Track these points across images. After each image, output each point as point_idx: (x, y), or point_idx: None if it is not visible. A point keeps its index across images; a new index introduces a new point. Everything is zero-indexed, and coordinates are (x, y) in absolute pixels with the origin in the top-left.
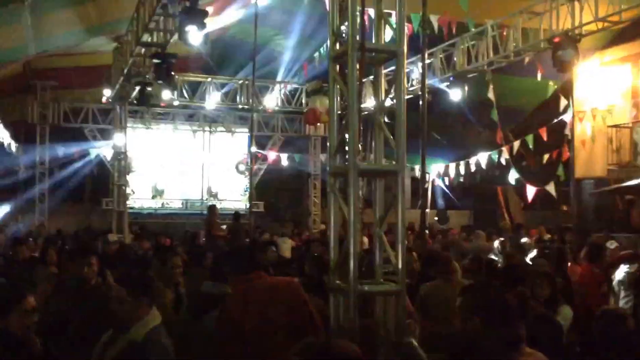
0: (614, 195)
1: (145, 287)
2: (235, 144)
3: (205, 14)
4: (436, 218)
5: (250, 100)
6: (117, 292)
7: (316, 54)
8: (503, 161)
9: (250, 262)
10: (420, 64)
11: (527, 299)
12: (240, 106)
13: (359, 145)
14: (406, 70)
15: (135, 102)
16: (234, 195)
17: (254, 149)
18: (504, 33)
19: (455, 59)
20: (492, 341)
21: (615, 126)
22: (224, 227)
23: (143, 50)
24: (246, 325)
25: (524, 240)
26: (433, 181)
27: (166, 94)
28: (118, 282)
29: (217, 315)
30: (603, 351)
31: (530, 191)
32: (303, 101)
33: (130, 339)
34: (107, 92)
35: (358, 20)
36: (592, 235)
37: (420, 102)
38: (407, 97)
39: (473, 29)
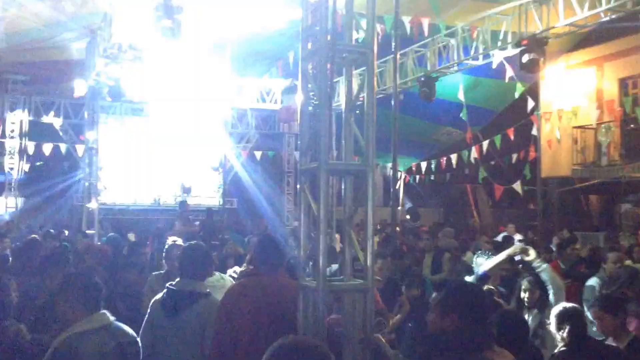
0: (578, 194)
1: (82, 291)
2: (209, 141)
3: (179, 9)
4: (408, 216)
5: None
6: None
7: (290, 52)
8: (472, 160)
9: (205, 261)
10: (391, 64)
11: (493, 296)
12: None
13: (330, 144)
14: (379, 70)
15: (108, 97)
16: (207, 191)
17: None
18: (474, 35)
19: (426, 59)
20: (467, 338)
21: (580, 127)
22: (197, 223)
23: (117, 44)
24: (245, 322)
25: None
26: (404, 179)
27: (139, 88)
28: (62, 284)
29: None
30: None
31: (498, 190)
32: (278, 98)
33: (52, 343)
34: (79, 87)
35: (329, 19)
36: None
37: (392, 102)
38: (379, 96)
39: (444, 31)
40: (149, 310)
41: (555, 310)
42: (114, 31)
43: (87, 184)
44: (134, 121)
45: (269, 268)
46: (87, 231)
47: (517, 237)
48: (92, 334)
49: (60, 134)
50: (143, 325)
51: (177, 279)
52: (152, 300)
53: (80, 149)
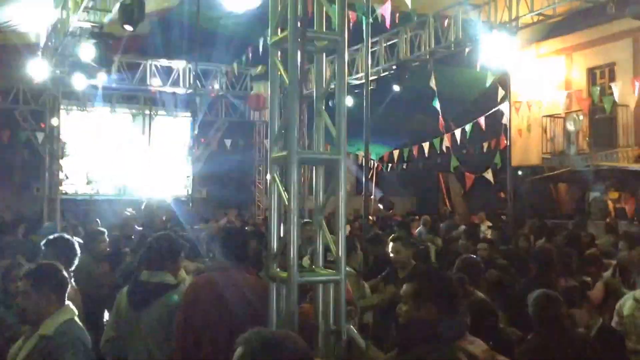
0: (548, 183)
1: (53, 281)
2: (177, 129)
3: None
4: (380, 205)
5: (193, 84)
6: (24, 286)
7: (261, 39)
8: (444, 149)
9: (173, 252)
10: (364, 52)
11: (465, 285)
12: (182, 90)
13: (301, 133)
14: (351, 57)
15: (69, 83)
16: (175, 181)
17: (196, 133)
18: (445, 24)
19: (398, 48)
20: (442, 328)
21: (550, 116)
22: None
23: (78, 29)
24: (208, 317)
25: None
26: (377, 167)
27: (103, 76)
28: (26, 276)
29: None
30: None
31: (469, 178)
32: (248, 86)
33: (40, 334)
34: (39, 72)
35: (299, 5)
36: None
37: (364, 90)
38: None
39: (415, 19)
40: (115, 303)
41: (530, 296)
42: (76, 13)
43: (47, 173)
44: (97, 109)
45: (234, 262)
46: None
47: (487, 224)
48: (74, 323)
49: (19, 120)
50: (109, 317)
51: (144, 271)
52: (119, 293)
53: (40, 136)
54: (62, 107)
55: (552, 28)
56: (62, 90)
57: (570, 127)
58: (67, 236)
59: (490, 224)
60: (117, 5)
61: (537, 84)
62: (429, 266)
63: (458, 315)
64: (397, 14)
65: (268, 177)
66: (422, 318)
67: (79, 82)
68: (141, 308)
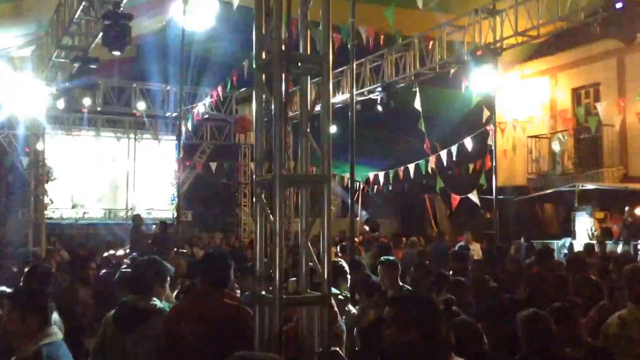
0: (533, 203)
1: (36, 304)
2: (162, 152)
3: (129, 17)
4: (366, 227)
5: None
6: (8, 309)
7: (245, 62)
8: (430, 170)
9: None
10: (349, 74)
11: (451, 306)
12: (167, 113)
13: (286, 155)
14: (336, 80)
15: (54, 106)
16: (160, 204)
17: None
18: (430, 46)
19: (383, 70)
20: (425, 351)
21: (535, 137)
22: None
23: (63, 53)
24: (187, 344)
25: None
26: (363, 189)
27: (88, 100)
28: (10, 299)
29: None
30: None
31: (454, 199)
32: (233, 109)
33: (23, 356)
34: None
35: (283, 29)
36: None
37: (349, 112)
38: (336, 106)
39: (400, 41)
40: (101, 328)
41: (518, 316)
42: (60, 40)
43: (33, 197)
44: (82, 132)
45: (214, 287)
46: (34, 248)
47: (475, 245)
48: (58, 346)
49: (4, 144)
50: (95, 343)
51: (129, 295)
52: (105, 317)
53: (25, 161)
54: (47, 131)
55: (536, 49)
56: (47, 115)
57: (556, 147)
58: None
59: (478, 246)
60: (102, 29)
61: (522, 105)
62: (411, 289)
63: (440, 337)
64: (382, 36)
65: (255, 198)
66: (405, 341)
67: (64, 106)
68: (128, 332)
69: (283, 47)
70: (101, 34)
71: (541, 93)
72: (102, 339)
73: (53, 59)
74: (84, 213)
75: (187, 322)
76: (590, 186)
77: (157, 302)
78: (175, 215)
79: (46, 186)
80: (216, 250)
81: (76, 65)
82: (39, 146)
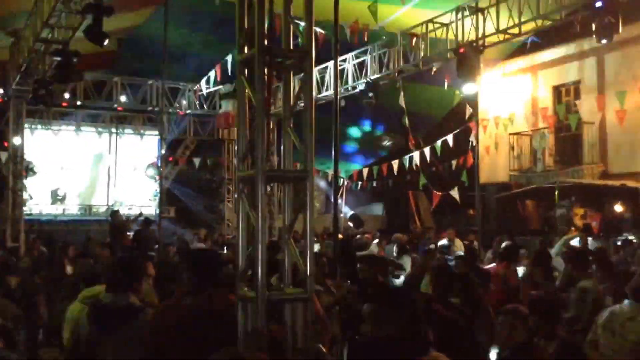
0: (515, 200)
1: None
2: (144, 147)
3: (110, 10)
4: (350, 223)
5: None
6: None
7: (229, 56)
8: (414, 166)
9: (138, 273)
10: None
11: (431, 302)
12: (149, 107)
13: (270, 150)
14: (320, 76)
15: (34, 101)
16: (142, 200)
17: (164, 152)
18: (412, 42)
19: (367, 66)
20: (403, 347)
21: (516, 134)
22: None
23: (43, 46)
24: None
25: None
26: (347, 185)
27: (68, 93)
28: None
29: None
30: None
31: (436, 196)
32: (217, 104)
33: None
34: (1, 90)
35: (266, 24)
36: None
37: (333, 108)
38: (320, 102)
39: (384, 37)
40: (67, 323)
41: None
42: (39, 33)
43: (11, 193)
44: (62, 127)
45: (204, 285)
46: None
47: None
48: None
49: None
50: (67, 343)
51: (105, 293)
52: (70, 314)
53: (4, 156)
54: (26, 126)
55: (517, 47)
56: (26, 109)
57: (537, 144)
58: None
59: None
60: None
61: (504, 102)
62: (389, 285)
63: (418, 333)
64: (366, 33)
65: (236, 194)
66: (383, 337)
67: (42, 100)
68: (108, 332)
69: (265, 42)
70: (82, 27)
71: (523, 90)
72: (76, 340)
73: (32, 52)
74: (64, 209)
75: (175, 321)
76: (570, 182)
77: (136, 300)
78: (157, 211)
79: (25, 182)
80: (202, 249)
81: (56, 58)
82: (17, 141)
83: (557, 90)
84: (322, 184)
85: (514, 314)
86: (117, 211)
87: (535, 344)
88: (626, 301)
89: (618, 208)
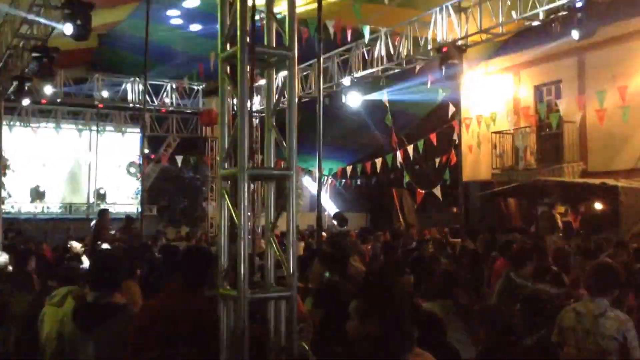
0: (498, 198)
1: None
2: (125, 145)
3: (90, 6)
4: (334, 221)
5: (142, 99)
6: None
7: (212, 53)
8: (399, 165)
9: (119, 271)
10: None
11: (412, 297)
12: (131, 104)
13: (253, 148)
14: (304, 73)
15: (12, 97)
16: (124, 198)
17: (146, 150)
18: (396, 41)
19: (351, 64)
20: (388, 343)
21: (499, 132)
22: (113, 232)
23: (21, 42)
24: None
25: None
26: (330, 183)
27: (48, 90)
28: None
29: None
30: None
31: (419, 194)
32: (199, 101)
33: None
34: None
35: (248, 20)
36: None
37: (317, 106)
38: (304, 100)
39: (368, 35)
40: (46, 325)
41: (476, 309)
42: (18, 28)
43: None
44: (41, 124)
45: (189, 284)
46: None
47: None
48: None
49: None
50: (51, 345)
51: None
52: (46, 312)
53: None
54: (4, 123)
55: (500, 46)
56: (4, 106)
57: (519, 142)
58: None
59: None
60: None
61: (486, 101)
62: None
63: (403, 329)
64: (350, 31)
65: (219, 192)
66: (368, 334)
67: (21, 97)
68: (91, 331)
69: (248, 39)
70: (61, 23)
71: (505, 89)
72: (59, 340)
73: (11, 48)
74: (43, 207)
75: (159, 319)
76: (550, 180)
77: (119, 298)
78: (139, 209)
79: (3, 179)
80: (193, 247)
81: (35, 54)
82: None
83: (538, 90)
84: (306, 182)
85: (483, 314)
86: (107, 210)
87: (510, 342)
88: (585, 298)
89: (598, 206)
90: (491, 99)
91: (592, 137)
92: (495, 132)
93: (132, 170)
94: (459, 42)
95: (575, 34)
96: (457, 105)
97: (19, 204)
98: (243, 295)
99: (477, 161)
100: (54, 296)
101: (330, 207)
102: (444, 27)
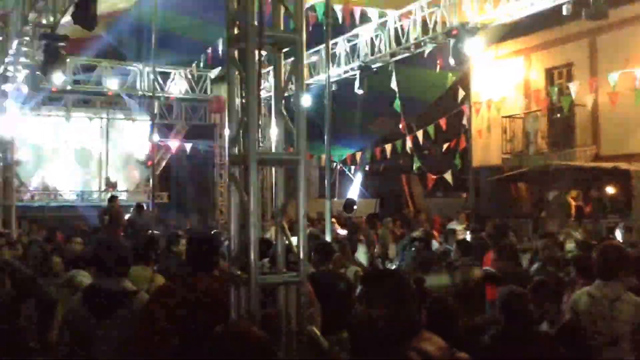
0: (508, 183)
1: None
2: (135, 133)
3: None
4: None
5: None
6: None
7: (220, 39)
8: (408, 150)
9: (129, 257)
10: (324, 53)
11: (422, 283)
12: (140, 92)
13: (262, 134)
14: (312, 59)
15: (22, 86)
16: (134, 186)
17: (155, 137)
18: (405, 25)
19: (359, 49)
20: (394, 328)
21: (509, 117)
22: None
23: (30, 30)
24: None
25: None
26: (339, 170)
27: (58, 78)
28: None
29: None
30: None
31: (430, 179)
32: (208, 88)
33: None
34: None
35: (256, 5)
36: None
37: (325, 91)
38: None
39: (377, 19)
40: (68, 314)
41: (500, 292)
42: (27, 16)
43: (1, 180)
44: (52, 113)
45: (198, 269)
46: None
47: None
48: None
49: None
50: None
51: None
52: (73, 301)
53: None
54: (15, 111)
55: (510, 29)
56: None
57: (529, 127)
58: None
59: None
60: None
61: (496, 85)
62: (379, 267)
63: (409, 314)
64: (357, 15)
65: (228, 178)
66: (374, 319)
67: (31, 85)
68: (104, 317)
69: (256, 23)
70: (70, 10)
71: (515, 73)
72: (71, 325)
73: (20, 36)
74: (56, 196)
75: (172, 303)
76: (562, 165)
77: (129, 284)
78: (150, 197)
79: (15, 169)
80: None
81: (43, 42)
82: (7, 128)
83: (549, 73)
84: (316, 168)
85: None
86: (116, 197)
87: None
88: (597, 282)
89: (610, 190)
90: (501, 83)
91: (604, 120)
92: (506, 117)
93: (142, 157)
94: (469, 25)
95: (586, 15)
96: (467, 90)
97: (32, 192)
98: (254, 279)
99: (486, 146)
100: (70, 280)
101: (340, 194)
102: (454, 9)
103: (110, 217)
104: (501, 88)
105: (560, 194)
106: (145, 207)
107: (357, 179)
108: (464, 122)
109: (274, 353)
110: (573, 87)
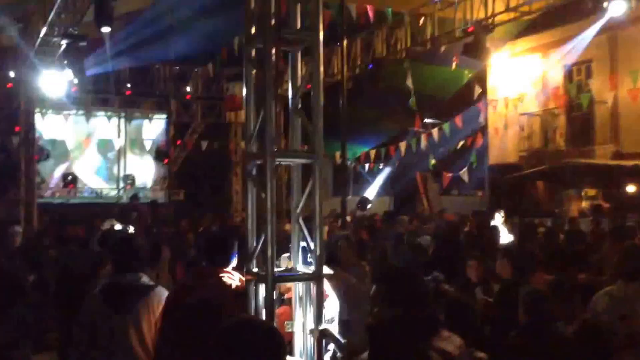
0: (525, 181)
1: None
2: (153, 131)
3: None
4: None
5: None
6: None
7: (236, 38)
8: (423, 147)
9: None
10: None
11: (440, 283)
12: (158, 92)
13: (278, 132)
14: (326, 57)
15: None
16: (152, 183)
17: (172, 136)
18: (420, 22)
19: (374, 47)
20: (412, 327)
21: (526, 114)
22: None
23: (52, 31)
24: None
25: None
26: (354, 168)
27: (77, 77)
28: None
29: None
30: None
31: (446, 177)
32: (224, 87)
33: None
34: (12, 75)
35: (273, 4)
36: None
37: (341, 89)
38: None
39: (391, 17)
40: (86, 308)
41: (522, 292)
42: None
43: (23, 177)
44: (72, 111)
45: (215, 266)
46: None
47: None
48: None
49: None
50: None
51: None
52: (90, 297)
53: (15, 140)
54: (36, 110)
55: (527, 26)
56: (37, 93)
57: (547, 124)
58: None
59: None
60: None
61: (513, 82)
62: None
63: (426, 313)
64: (372, 13)
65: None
66: (391, 319)
67: (52, 84)
68: (124, 311)
69: (273, 21)
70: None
71: (532, 70)
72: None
73: (41, 36)
74: (76, 192)
75: (188, 300)
76: (581, 163)
77: (146, 278)
78: (167, 194)
79: (37, 165)
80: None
81: (64, 42)
82: (29, 125)
83: (567, 70)
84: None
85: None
86: (137, 195)
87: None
88: (619, 282)
89: (630, 189)
90: (518, 80)
91: (624, 117)
92: (523, 114)
93: (159, 156)
94: (486, 22)
95: (606, 11)
96: (483, 87)
97: (53, 189)
98: (271, 275)
99: (503, 144)
100: None
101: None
102: (470, 6)
103: (138, 215)
104: (518, 85)
105: (578, 192)
106: (159, 205)
107: (380, 177)
108: (481, 119)
109: (283, 342)
110: (593, 84)
